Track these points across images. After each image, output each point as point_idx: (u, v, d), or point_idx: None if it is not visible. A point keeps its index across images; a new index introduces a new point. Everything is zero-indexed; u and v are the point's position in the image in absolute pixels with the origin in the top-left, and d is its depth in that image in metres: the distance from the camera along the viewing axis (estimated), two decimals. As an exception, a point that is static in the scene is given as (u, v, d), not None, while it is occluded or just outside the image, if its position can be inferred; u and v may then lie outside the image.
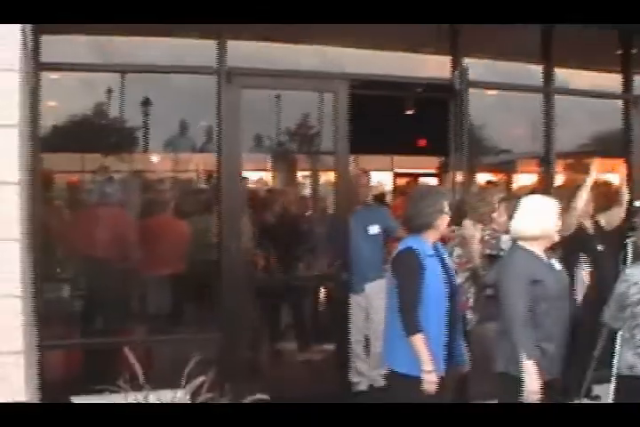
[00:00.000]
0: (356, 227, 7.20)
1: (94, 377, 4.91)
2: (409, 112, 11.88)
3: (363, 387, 7.41)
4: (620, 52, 8.63)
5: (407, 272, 4.71)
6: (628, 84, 8.63)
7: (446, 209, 4.86)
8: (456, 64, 7.48)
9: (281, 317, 8.21)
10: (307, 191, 9.84)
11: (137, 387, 4.13)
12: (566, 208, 7.07)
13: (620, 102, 8.70)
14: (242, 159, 6.75)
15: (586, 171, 7.83)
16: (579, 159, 9.34)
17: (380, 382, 7.09)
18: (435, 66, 7.71)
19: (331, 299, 8.06)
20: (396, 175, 16.45)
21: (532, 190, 8.35)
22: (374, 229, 7.45)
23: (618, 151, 8.80)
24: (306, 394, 6.14)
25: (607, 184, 8.95)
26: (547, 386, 4.49)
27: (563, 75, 8.24)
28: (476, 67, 7.41)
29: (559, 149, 8.27)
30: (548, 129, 8.10)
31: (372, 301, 7.25)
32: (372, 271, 7.26)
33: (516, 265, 4.74)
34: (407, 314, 4.64)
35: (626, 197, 7.18)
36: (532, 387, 4.42)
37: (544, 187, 8.08)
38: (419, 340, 4.59)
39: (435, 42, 7.54)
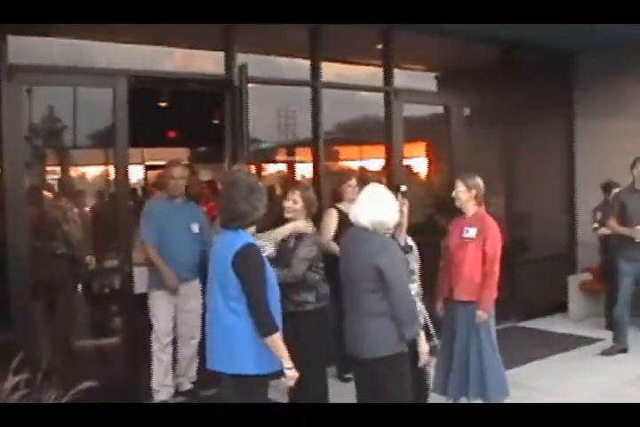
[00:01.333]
0: (174, 222, 6.84)
1: None
2: (163, 104, 11.87)
3: (163, 396, 6.84)
4: (380, 46, 9.08)
5: (256, 270, 4.47)
6: (388, 76, 9.13)
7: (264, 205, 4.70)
8: (231, 60, 7.61)
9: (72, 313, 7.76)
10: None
11: None
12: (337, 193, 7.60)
13: (381, 95, 9.19)
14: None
15: (352, 157, 8.35)
16: (346, 147, 9.89)
17: (187, 386, 7.03)
18: (210, 62, 7.81)
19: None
20: (148, 168, 15.69)
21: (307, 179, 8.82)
22: (196, 228, 6.99)
23: (380, 139, 9.31)
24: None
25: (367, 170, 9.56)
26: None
27: (329, 69, 8.58)
28: (252, 62, 7.54)
29: (327, 137, 8.65)
30: (316, 120, 8.44)
31: (185, 302, 6.89)
32: (187, 272, 6.87)
33: (394, 249, 4.94)
34: (264, 315, 4.41)
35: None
36: (426, 348, 5.10)
37: (315, 175, 8.42)
38: (277, 338, 4.41)
39: (212, 39, 7.64)
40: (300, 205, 6.03)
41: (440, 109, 10.00)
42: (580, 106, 11.16)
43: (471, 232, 6.31)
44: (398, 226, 5.36)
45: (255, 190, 4.61)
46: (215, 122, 10.84)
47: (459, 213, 6.52)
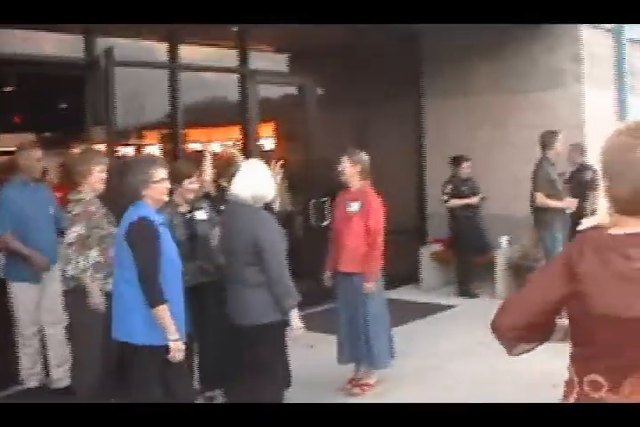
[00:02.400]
0: (34, 207, 6.55)
1: None
2: (8, 89, 11.59)
3: (33, 384, 6.65)
4: (235, 28, 9.27)
5: (146, 242, 4.58)
6: (243, 58, 9.35)
7: (156, 178, 4.73)
8: (92, 43, 7.63)
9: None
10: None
11: None
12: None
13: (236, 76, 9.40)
14: None
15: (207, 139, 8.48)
16: (202, 128, 10.04)
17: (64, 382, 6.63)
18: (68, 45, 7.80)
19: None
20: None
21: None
22: (52, 210, 6.67)
23: (236, 120, 9.52)
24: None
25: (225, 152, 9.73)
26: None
27: (185, 51, 8.72)
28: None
29: (185, 119, 8.79)
30: (174, 101, 8.58)
31: (47, 287, 6.59)
32: (52, 256, 6.51)
33: (272, 222, 5.20)
34: (151, 285, 4.52)
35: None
36: (298, 324, 5.19)
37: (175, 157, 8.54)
38: (163, 310, 4.52)
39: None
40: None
41: (295, 90, 10.32)
42: (428, 84, 11.66)
43: (354, 206, 6.60)
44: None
45: (131, 167, 4.82)
46: (66, 106, 10.74)
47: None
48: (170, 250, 4.70)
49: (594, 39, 10.59)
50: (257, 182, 5.26)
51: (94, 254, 5.73)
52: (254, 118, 9.43)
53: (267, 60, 10.32)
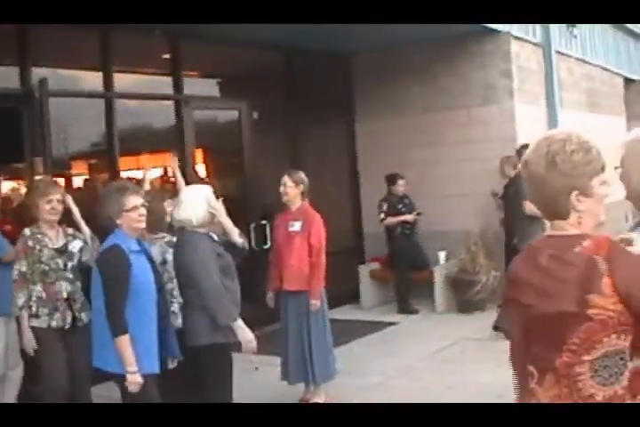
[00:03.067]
0: None
1: None
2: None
3: None
4: (167, 55, 9.35)
5: (114, 270, 4.59)
6: (177, 85, 9.41)
7: (128, 206, 4.72)
8: (27, 74, 7.62)
9: None
10: None
11: None
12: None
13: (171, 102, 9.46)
14: None
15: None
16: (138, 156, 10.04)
17: None
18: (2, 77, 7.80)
19: None
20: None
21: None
22: None
23: (171, 146, 9.56)
24: None
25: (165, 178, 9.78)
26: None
27: (121, 79, 8.74)
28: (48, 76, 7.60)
29: (121, 147, 8.78)
30: (110, 130, 8.58)
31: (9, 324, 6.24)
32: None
33: (197, 245, 5.24)
34: (113, 315, 4.51)
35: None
36: (248, 337, 5.22)
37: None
38: (124, 341, 4.48)
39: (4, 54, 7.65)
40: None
41: (230, 115, 10.39)
42: (359, 105, 11.83)
43: (296, 226, 6.76)
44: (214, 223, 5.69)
45: (106, 195, 4.88)
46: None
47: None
48: (143, 278, 4.68)
49: (523, 53, 10.91)
50: (189, 207, 5.35)
51: (38, 289, 5.72)
52: (190, 145, 9.46)
53: (200, 85, 10.40)
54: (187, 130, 9.43)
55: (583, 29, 13.44)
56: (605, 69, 14.65)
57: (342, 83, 11.75)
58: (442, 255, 10.48)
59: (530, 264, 2.44)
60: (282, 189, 6.84)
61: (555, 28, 11.88)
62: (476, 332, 8.84)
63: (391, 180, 10.50)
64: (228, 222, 5.55)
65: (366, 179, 11.73)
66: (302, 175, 6.91)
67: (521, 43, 10.88)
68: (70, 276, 5.86)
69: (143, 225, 4.90)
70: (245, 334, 5.25)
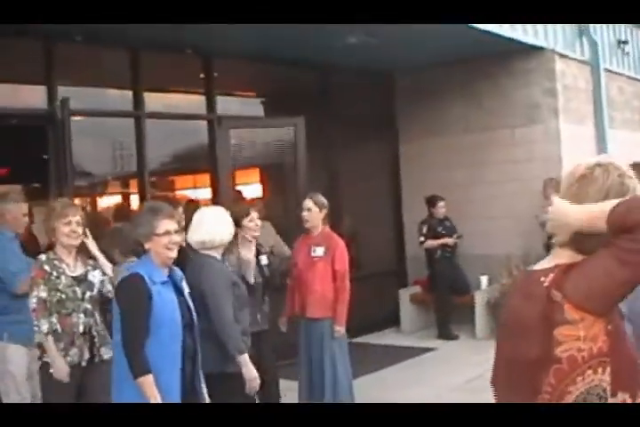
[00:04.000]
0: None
1: None
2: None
3: None
4: (202, 75, 9.23)
5: (131, 302, 4.13)
6: (211, 105, 9.28)
7: (160, 230, 4.26)
8: (53, 94, 7.56)
9: None
10: None
11: None
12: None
13: (204, 122, 9.32)
14: None
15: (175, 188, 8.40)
16: (170, 177, 9.98)
17: None
18: (32, 96, 7.75)
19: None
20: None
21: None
22: None
23: (206, 167, 9.43)
24: None
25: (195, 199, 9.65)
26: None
27: (152, 98, 8.65)
28: (75, 95, 7.54)
29: (153, 168, 8.69)
30: (141, 150, 8.47)
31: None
32: None
33: (212, 269, 5.08)
34: (132, 353, 4.03)
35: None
36: (252, 375, 5.01)
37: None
38: (146, 382, 3.99)
39: (33, 73, 7.60)
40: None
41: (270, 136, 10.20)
42: (402, 125, 11.58)
43: (319, 251, 6.56)
44: (233, 246, 5.51)
45: (137, 217, 4.55)
46: (39, 157, 10.67)
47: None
48: (167, 310, 4.19)
49: (569, 71, 10.58)
50: (197, 228, 5.19)
51: (53, 321, 5.14)
52: (226, 164, 9.29)
53: (238, 104, 10.28)
54: (220, 150, 9.26)
55: (636, 47, 13.07)
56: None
57: (384, 102, 11.52)
58: (484, 280, 10.16)
59: (508, 303, 2.28)
60: (305, 213, 6.64)
61: (605, 46, 11.56)
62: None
63: (431, 202, 10.23)
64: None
65: (409, 200, 11.47)
66: (323, 199, 6.71)
67: (567, 60, 10.55)
68: (89, 307, 5.26)
69: (174, 255, 4.34)
70: (249, 371, 5.05)
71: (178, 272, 4.47)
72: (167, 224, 4.28)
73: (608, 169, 2.18)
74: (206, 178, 9.53)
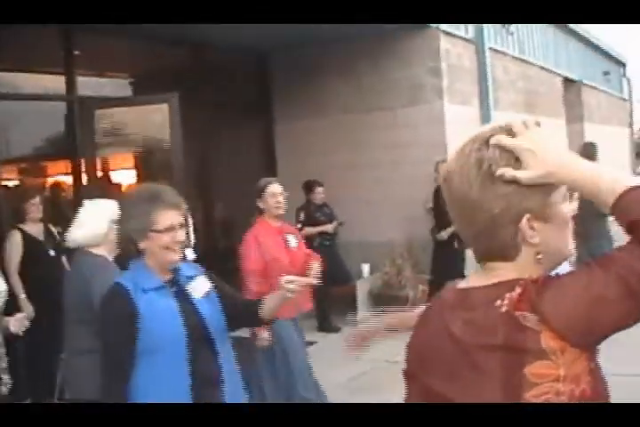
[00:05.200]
0: None
1: None
2: None
3: None
4: (62, 53, 8.50)
5: (107, 321, 3.23)
6: (71, 84, 8.56)
7: (160, 225, 3.18)
8: None
9: None
10: None
11: None
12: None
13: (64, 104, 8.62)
14: None
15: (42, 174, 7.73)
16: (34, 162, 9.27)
17: None
18: None
19: None
20: None
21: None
22: None
23: (67, 152, 8.76)
24: None
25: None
26: None
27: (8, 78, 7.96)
28: None
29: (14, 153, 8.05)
30: None
31: None
32: None
33: (107, 270, 4.12)
34: (110, 382, 3.17)
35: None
36: None
37: None
38: None
39: None
40: None
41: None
42: (277, 105, 11.08)
43: (293, 241, 6.10)
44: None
45: (137, 204, 3.27)
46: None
47: None
48: (158, 324, 3.14)
49: (454, 50, 10.26)
50: (77, 225, 4.38)
51: None
52: (89, 148, 8.60)
53: (104, 85, 9.62)
54: (83, 133, 8.57)
55: (520, 27, 12.87)
56: (544, 69, 14.10)
57: (259, 80, 11.00)
58: (365, 268, 9.81)
59: (439, 329, 1.64)
60: (280, 198, 6.10)
61: (488, 25, 11.28)
62: (398, 354, 8.13)
63: (308, 187, 9.72)
64: None
65: (285, 185, 10.95)
66: None
67: (451, 39, 10.21)
68: None
69: (176, 257, 3.26)
70: None
71: (186, 271, 3.38)
72: (170, 217, 3.20)
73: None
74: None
